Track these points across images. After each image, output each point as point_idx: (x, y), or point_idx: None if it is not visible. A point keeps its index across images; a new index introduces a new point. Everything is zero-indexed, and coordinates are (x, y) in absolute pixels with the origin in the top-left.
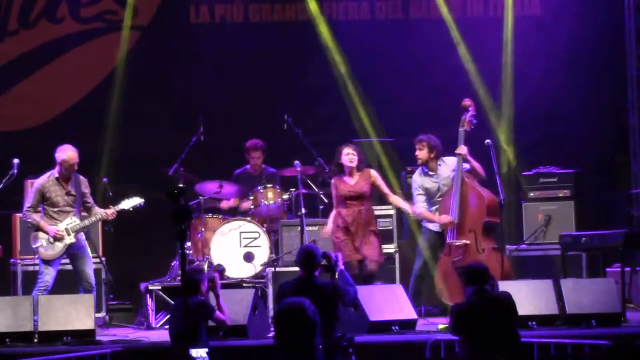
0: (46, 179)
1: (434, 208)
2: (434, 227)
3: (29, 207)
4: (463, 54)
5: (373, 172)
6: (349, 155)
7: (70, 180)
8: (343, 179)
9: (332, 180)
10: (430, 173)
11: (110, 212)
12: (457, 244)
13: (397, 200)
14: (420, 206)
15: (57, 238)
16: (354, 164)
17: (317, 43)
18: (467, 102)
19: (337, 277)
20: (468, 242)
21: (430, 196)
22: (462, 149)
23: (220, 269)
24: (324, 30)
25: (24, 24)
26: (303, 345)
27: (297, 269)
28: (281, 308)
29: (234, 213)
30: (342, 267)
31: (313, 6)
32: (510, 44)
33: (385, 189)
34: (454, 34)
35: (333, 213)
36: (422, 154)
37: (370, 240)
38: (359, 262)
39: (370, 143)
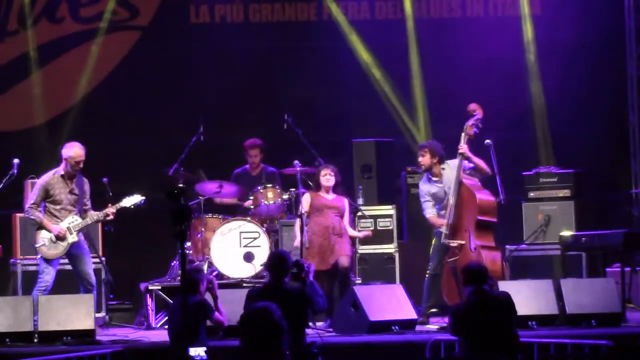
0: (51, 176)
1: (443, 212)
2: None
3: (32, 204)
4: (413, 56)
5: (347, 201)
6: (325, 176)
7: (74, 179)
8: (319, 194)
9: (306, 194)
10: (434, 179)
11: (110, 211)
12: (452, 244)
13: (351, 232)
14: (429, 212)
15: (60, 237)
16: (330, 184)
17: (317, 43)
18: (472, 106)
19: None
20: (463, 242)
21: (438, 201)
22: (463, 147)
23: (216, 274)
24: (345, 27)
25: (24, 24)
26: (269, 350)
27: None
28: (247, 312)
29: (233, 211)
30: (312, 279)
31: (333, 6)
32: (532, 40)
33: (347, 219)
34: (409, 33)
35: (297, 223)
36: (424, 160)
37: (341, 240)
38: (331, 268)
39: (369, 143)
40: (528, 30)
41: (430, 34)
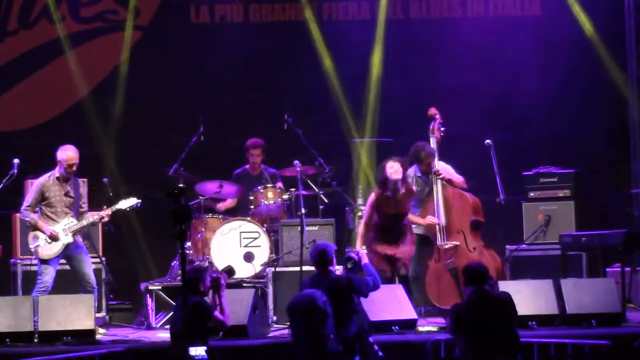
0: (47, 179)
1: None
2: (417, 230)
3: (27, 206)
4: (376, 56)
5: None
6: (393, 168)
7: (69, 181)
8: (387, 197)
9: (374, 195)
10: (424, 176)
11: (104, 213)
12: (447, 246)
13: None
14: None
15: (53, 237)
16: (399, 176)
17: (317, 43)
18: (432, 111)
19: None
20: (458, 243)
21: (418, 198)
22: (440, 173)
23: (228, 269)
24: (315, 32)
25: (24, 24)
26: (314, 334)
27: (296, 269)
28: (293, 299)
29: (234, 212)
30: (366, 260)
31: (307, 10)
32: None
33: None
34: (378, 33)
35: (361, 228)
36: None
37: (404, 240)
38: (390, 265)
39: (369, 143)
40: (587, 25)
41: (430, 34)
